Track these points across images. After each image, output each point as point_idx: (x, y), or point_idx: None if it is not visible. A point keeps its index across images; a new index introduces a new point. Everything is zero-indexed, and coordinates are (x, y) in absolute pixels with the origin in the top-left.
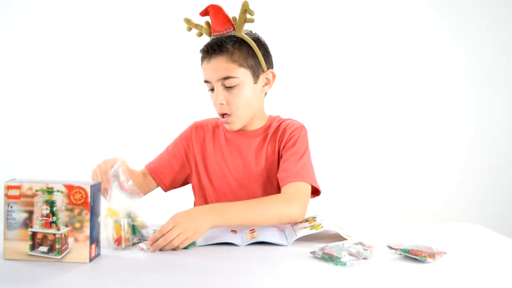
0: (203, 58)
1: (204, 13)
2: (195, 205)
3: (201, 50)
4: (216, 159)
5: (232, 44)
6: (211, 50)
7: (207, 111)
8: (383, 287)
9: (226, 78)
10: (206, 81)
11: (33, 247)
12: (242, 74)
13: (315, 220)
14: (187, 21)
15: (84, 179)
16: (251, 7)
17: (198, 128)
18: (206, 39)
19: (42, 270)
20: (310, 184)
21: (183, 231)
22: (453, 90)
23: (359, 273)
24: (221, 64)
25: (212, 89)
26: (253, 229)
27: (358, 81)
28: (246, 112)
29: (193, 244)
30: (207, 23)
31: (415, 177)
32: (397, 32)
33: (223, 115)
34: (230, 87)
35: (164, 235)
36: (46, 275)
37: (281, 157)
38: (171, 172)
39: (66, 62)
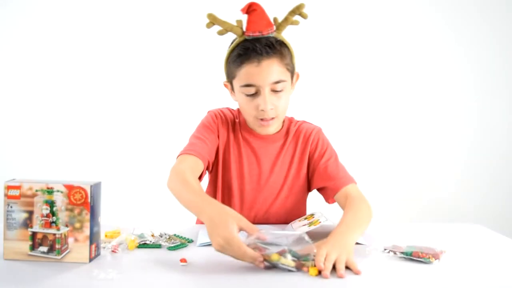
0: (248, 60)
1: (246, 10)
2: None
3: (244, 51)
4: (235, 158)
5: (279, 45)
6: (264, 51)
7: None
8: (385, 286)
9: (278, 82)
10: (249, 85)
11: (33, 247)
12: (287, 77)
13: (313, 217)
14: (213, 17)
15: (84, 179)
16: (305, 10)
17: (221, 118)
18: (217, 38)
19: (42, 270)
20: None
21: (338, 254)
22: (453, 90)
23: (361, 275)
24: (273, 67)
25: (253, 94)
26: None
27: (358, 81)
28: (284, 115)
29: (183, 245)
30: (240, 21)
31: (415, 177)
32: (397, 32)
33: (264, 119)
34: (276, 91)
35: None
36: (46, 275)
37: (312, 164)
38: (213, 158)
39: (66, 62)
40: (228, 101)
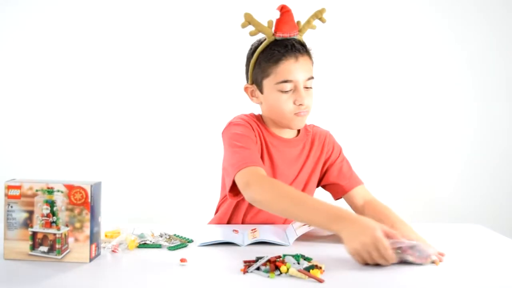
0: (287, 56)
1: (280, 11)
2: (221, 204)
3: (282, 48)
4: (266, 160)
5: (306, 46)
6: (300, 49)
7: (207, 114)
8: (384, 287)
9: (310, 78)
10: (287, 81)
11: (33, 247)
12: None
13: None
14: (250, 18)
15: (84, 179)
16: (325, 15)
17: (251, 124)
18: (217, 42)
19: (42, 270)
20: None
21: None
22: (453, 90)
23: (359, 274)
24: (307, 65)
25: (288, 91)
26: (254, 229)
27: (357, 81)
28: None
29: (183, 245)
30: (271, 22)
31: (415, 177)
32: (397, 32)
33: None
34: (307, 88)
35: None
36: (46, 275)
37: (328, 165)
38: None
39: (67, 62)
40: (227, 103)
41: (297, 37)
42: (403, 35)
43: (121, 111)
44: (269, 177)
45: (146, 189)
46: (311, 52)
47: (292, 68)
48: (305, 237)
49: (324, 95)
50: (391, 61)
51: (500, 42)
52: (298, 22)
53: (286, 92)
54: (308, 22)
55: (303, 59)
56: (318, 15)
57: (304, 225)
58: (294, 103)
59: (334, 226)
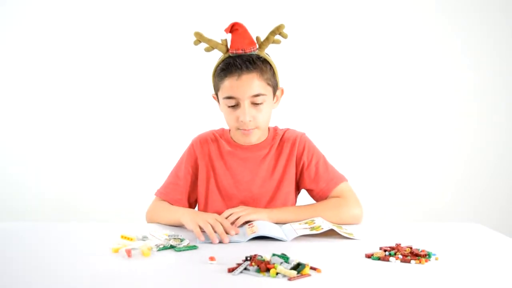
0: (229, 74)
1: (229, 30)
2: None
3: (226, 65)
4: (224, 173)
5: (260, 62)
6: (244, 67)
7: (208, 115)
8: (383, 287)
9: (257, 95)
10: (230, 97)
11: None
12: (268, 92)
13: (314, 223)
14: (199, 35)
15: (85, 179)
16: (285, 30)
17: (202, 144)
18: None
19: None
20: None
21: (245, 209)
22: (453, 90)
23: (358, 273)
24: (253, 81)
25: (234, 106)
26: (251, 224)
27: (357, 81)
28: (266, 127)
29: (194, 247)
30: (225, 40)
31: (415, 177)
32: (397, 33)
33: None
34: (257, 104)
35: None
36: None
37: (301, 167)
38: (187, 197)
39: (67, 64)
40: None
41: (256, 52)
42: (403, 37)
43: (121, 114)
44: (161, 204)
45: (146, 189)
46: (269, 68)
47: (233, 86)
48: (304, 237)
49: (325, 98)
50: (391, 63)
51: (498, 44)
52: (258, 38)
53: (231, 107)
54: (267, 38)
55: (247, 77)
56: (276, 31)
57: (304, 228)
58: (237, 119)
59: (183, 218)
